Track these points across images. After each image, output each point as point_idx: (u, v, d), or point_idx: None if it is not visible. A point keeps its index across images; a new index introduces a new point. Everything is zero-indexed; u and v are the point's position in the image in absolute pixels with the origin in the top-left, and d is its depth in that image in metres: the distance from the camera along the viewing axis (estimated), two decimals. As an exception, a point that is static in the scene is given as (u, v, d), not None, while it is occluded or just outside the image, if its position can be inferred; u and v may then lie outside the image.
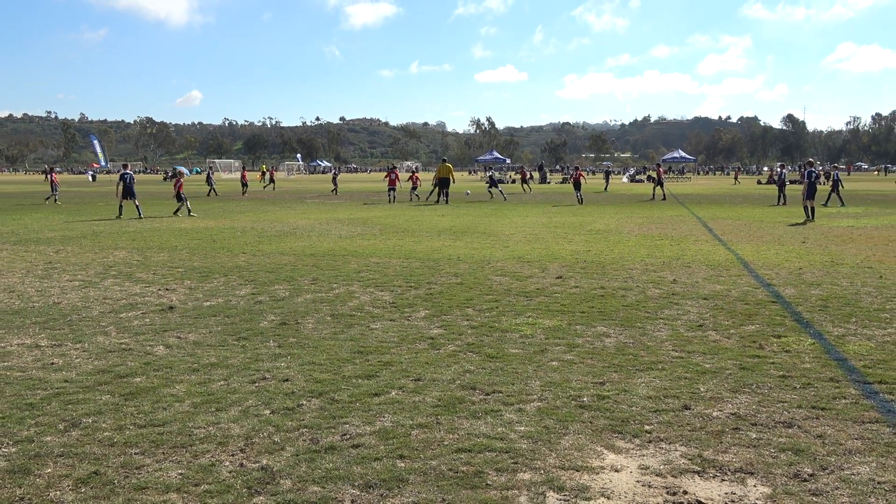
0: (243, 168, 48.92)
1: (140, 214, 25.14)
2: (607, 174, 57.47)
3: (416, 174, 39.15)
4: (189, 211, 26.63)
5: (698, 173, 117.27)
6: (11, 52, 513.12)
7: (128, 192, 25.76)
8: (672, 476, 4.34)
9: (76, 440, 4.84)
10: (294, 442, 4.81)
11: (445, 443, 4.79)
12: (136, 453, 4.63)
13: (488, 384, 6.01)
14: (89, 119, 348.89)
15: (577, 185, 34.57)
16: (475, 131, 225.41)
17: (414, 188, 37.20)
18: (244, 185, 44.72)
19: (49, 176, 37.90)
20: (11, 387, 5.98)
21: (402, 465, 4.47)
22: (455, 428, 5.05)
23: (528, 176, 50.86)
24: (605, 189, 50.07)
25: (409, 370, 6.41)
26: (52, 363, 6.68)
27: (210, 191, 43.87)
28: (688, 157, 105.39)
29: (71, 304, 9.44)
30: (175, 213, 26.44)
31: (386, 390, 5.86)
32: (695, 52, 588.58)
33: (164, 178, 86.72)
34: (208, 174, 46.80)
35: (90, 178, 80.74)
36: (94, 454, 4.61)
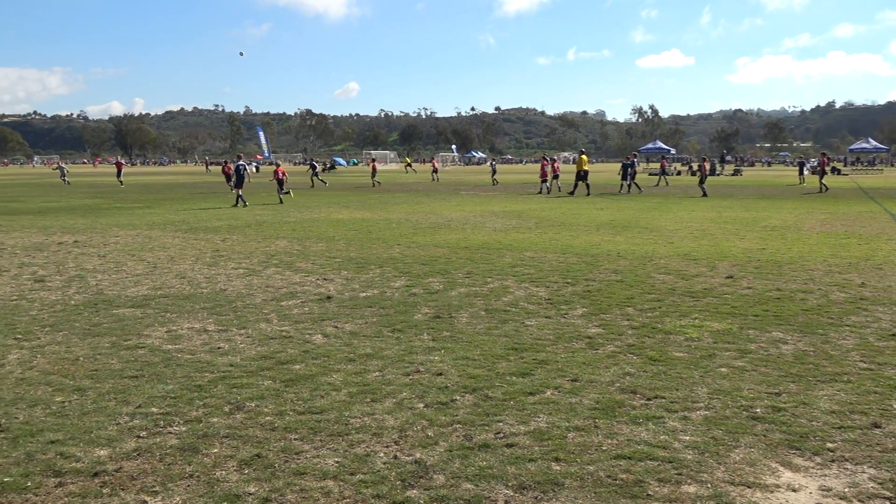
0: (373, 160, 51.20)
1: (245, 203, 27.32)
2: (801, 165, 51.41)
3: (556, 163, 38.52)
4: (280, 200, 29.33)
5: (892, 164, 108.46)
6: (184, 48, 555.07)
7: (239, 182, 27.87)
8: (858, 501, 4.05)
9: (240, 423, 5.17)
10: (447, 437, 4.90)
11: (604, 448, 4.72)
12: (295, 439, 4.88)
13: (650, 388, 5.85)
14: (253, 111, 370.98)
15: (703, 178, 34.22)
16: (637, 120, 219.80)
17: (544, 180, 36.54)
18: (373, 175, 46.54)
19: (224, 167, 40.73)
20: (182, 368, 6.48)
21: (558, 468, 4.44)
22: (614, 433, 4.96)
23: (709, 169, 47.41)
24: (801, 182, 46.81)
25: (565, 370, 6.36)
26: (219, 347, 7.17)
27: (375, 182, 45.52)
28: (880, 146, 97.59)
29: (236, 291, 10.09)
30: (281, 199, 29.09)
31: (541, 389, 5.84)
32: (885, 29, 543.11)
33: (323, 170, 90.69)
34: (329, 164, 48.77)
35: (254, 169, 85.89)
36: (257, 437, 4.90)
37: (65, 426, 5.10)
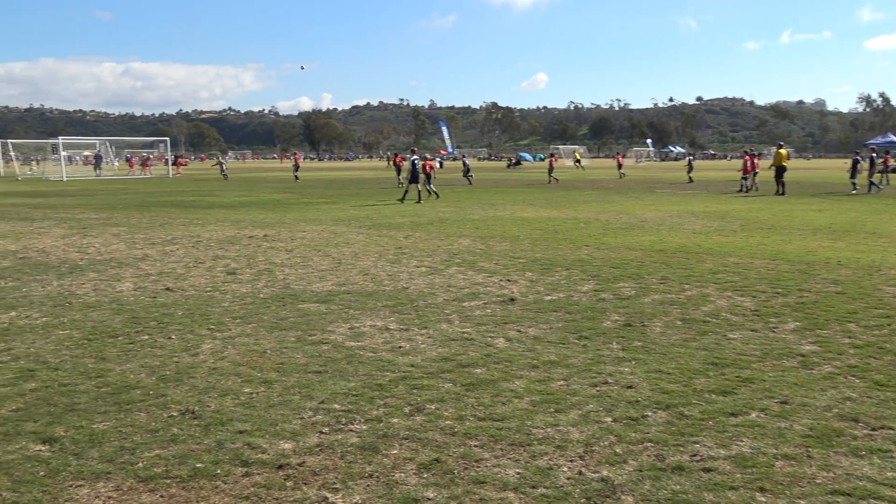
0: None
1: (419, 199, 28.23)
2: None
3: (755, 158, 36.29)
4: (433, 194, 29.71)
5: None
6: (370, 43, 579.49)
7: (415, 178, 28.90)
8: None
9: (420, 425, 5.32)
10: (637, 455, 4.78)
11: (818, 481, 4.42)
12: (475, 446, 4.96)
13: (875, 417, 5.42)
14: (438, 105, 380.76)
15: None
16: (864, 110, 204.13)
17: (745, 177, 34.48)
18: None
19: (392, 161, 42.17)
20: (364, 366, 6.76)
21: (763, 499, 4.21)
22: (830, 465, 4.63)
23: None
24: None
25: (773, 390, 6.02)
26: (400, 347, 7.42)
27: (552, 179, 45.37)
28: None
29: (418, 290, 10.40)
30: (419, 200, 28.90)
31: (745, 411, 5.57)
32: None
33: (508, 166, 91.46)
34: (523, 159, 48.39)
35: (438, 165, 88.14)
36: (436, 441, 5.03)
37: (252, 417, 5.48)
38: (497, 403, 5.75)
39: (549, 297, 9.82)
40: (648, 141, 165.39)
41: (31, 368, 6.75)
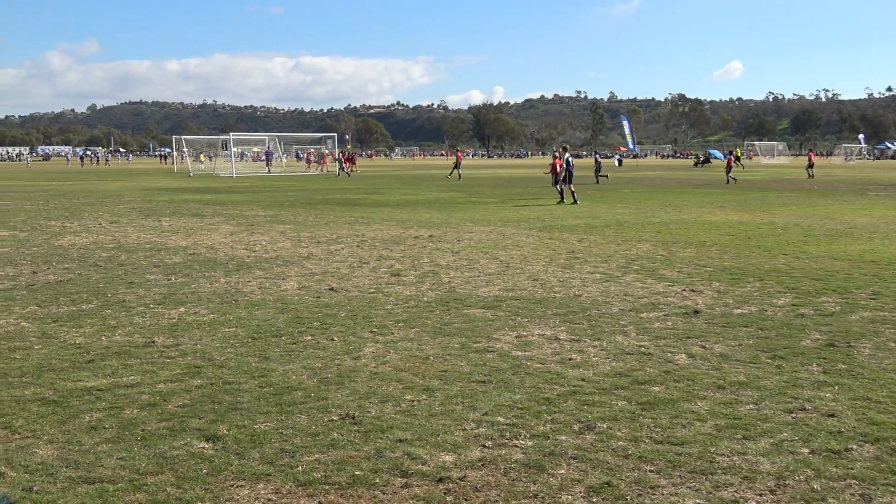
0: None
1: (575, 199, 27.88)
2: None
3: None
4: (561, 199, 28.87)
5: None
6: (546, 32, 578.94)
7: (569, 178, 28.51)
8: None
9: (590, 444, 5.26)
10: (838, 494, 4.51)
11: None
12: (650, 471, 4.85)
13: None
14: (618, 98, 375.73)
15: None
16: None
17: None
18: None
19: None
20: (531, 378, 6.77)
21: None
22: None
23: None
24: None
25: None
26: (570, 359, 7.37)
27: (729, 179, 43.62)
28: None
29: (591, 298, 10.29)
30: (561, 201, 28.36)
31: (972, 450, 5.12)
32: None
33: (695, 164, 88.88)
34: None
35: (616, 163, 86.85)
36: (608, 463, 4.95)
37: (413, 426, 5.61)
38: (676, 426, 5.60)
39: (738, 311, 9.46)
40: (861, 136, 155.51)
41: (198, 365, 7.22)
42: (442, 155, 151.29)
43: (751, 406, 6.01)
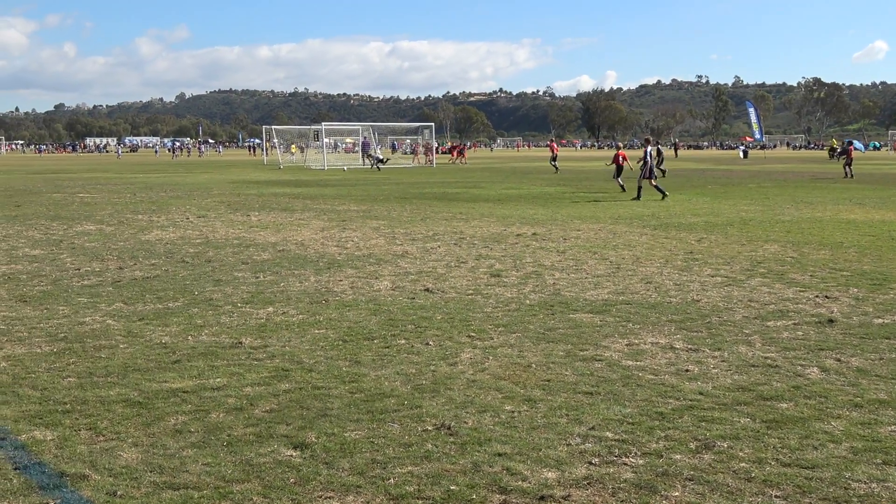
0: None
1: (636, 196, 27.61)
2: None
3: None
4: (622, 188, 29.72)
5: None
6: (663, 12, 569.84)
7: (650, 173, 27.95)
8: None
9: (708, 465, 5.16)
10: None
11: None
12: (776, 496, 4.72)
13: None
14: (744, 83, 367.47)
15: None
16: None
17: None
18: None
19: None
20: (643, 390, 6.68)
21: None
22: None
23: None
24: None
25: None
26: (687, 370, 7.24)
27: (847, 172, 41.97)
28: None
29: (711, 304, 10.09)
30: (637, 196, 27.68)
31: None
32: None
33: (831, 155, 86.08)
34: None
35: (741, 155, 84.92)
36: (727, 486, 4.85)
37: (513, 439, 5.61)
38: (806, 447, 5.44)
39: (879, 321, 9.13)
40: None
41: (286, 368, 7.39)
42: (548, 146, 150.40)
43: (892, 427, 5.80)
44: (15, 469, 5.13)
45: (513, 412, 6.17)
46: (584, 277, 12.03)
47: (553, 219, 21.05)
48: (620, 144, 39.14)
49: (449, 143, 69.26)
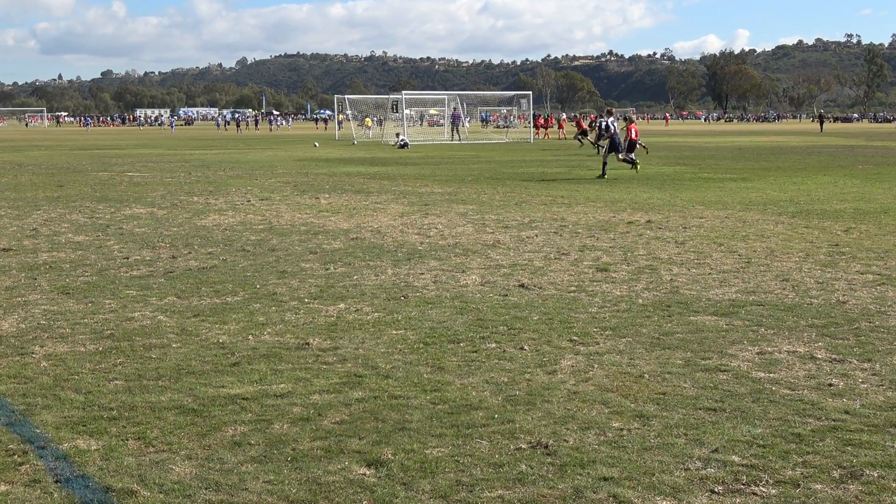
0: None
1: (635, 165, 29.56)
2: None
3: None
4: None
5: None
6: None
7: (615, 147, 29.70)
8: None
9: (854, 497, 5.05)
10: None
11: None
12: (937, 537, 4.60)
13: None
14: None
15: None
16: None
17: None
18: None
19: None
20: (776, 407, 6.57)
21: None
22: None
23: None
24: None
25: None
26: (830, 384, 7.10)
27: None
28: None
29: (861, 306, 9.86)
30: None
31: None
32: None
33: None
34: None
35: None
36: (878, 524, 4.74)
37: (621, 461, 5.57)
38: (976, 479, 5.29)
39: None
40: None
41: (359, 374, 7.47)
42: (663, 120, 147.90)
43: None
44: (56, 482, 5.30)
45: (621, 430, 6.13)
46: (707, 273, 11.88)
47: (671, 204, 20.81)
48: (634, 116, 38.80)
49: (590, 117, 68.56)
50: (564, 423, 6.27)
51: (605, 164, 29.76)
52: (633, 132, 31.57)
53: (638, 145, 31.12)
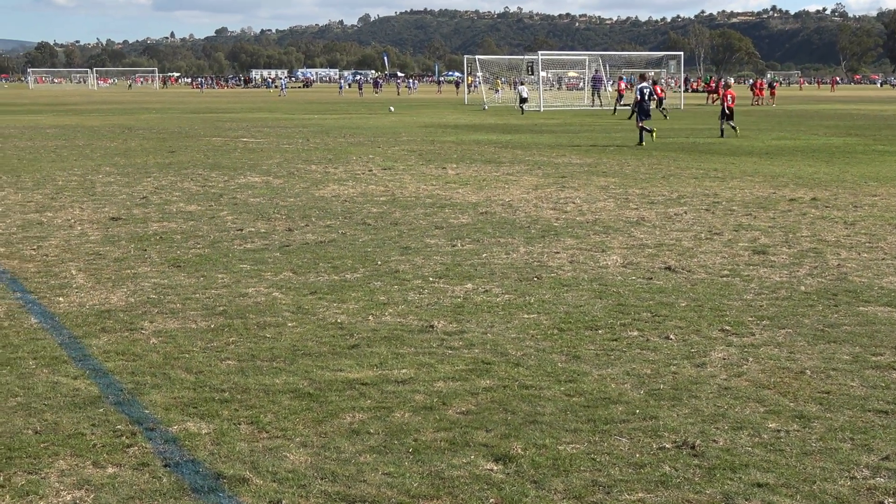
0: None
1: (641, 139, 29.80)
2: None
3: None
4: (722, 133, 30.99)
5: None
6: None
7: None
8: None
9: None
10: None
11: None
12: None
13: None
14: None
15: None
16: None
17: None
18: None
19: None
20: None
21: None
22: None
23: None
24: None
25: None
26: None
27: None
28: None
29: None
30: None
31: None
32: None
33: None
34: None
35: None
36: None
37: (777, 466, 5.48)
38: None
39: None
40: None
41: (487, 361, 7.51)
42: (827, 83, 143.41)
43: None
44: (165, 466, 5.48)
45: (778, 431, 6.04)
46: (880, 258, 11.56)
47: (840, 179, 20.28)
48: (731, 81, 37.67)
49: (763, 80, 67.30)
50: (714, 422, 6.19)
51: (645, 130, 30.61)
52: (731, 97, 31.08)
53: (665, 109, 31.47)
